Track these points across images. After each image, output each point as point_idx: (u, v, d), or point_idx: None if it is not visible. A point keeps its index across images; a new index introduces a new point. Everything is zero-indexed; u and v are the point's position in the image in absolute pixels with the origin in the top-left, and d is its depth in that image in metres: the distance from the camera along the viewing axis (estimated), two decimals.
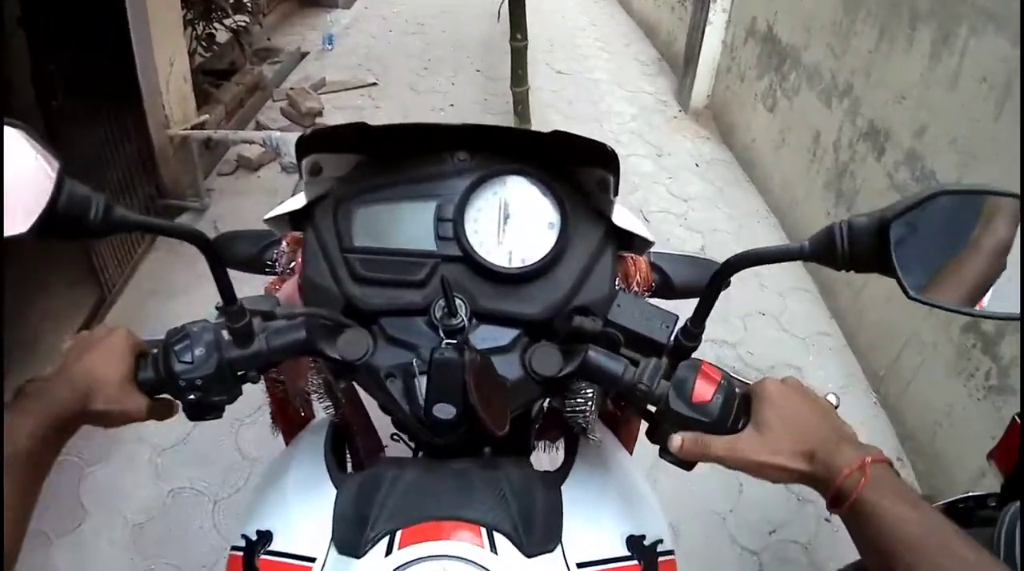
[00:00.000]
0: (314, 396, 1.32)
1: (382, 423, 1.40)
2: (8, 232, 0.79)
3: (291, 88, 5.97)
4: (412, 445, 1.35)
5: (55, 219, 0.81)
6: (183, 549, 2.67)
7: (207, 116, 4.56)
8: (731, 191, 5.00)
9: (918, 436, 3.07)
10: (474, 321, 1.09)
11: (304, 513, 1.10)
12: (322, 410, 1.36)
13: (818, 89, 4.22)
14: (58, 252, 3.48)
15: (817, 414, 0.93)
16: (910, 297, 0.84)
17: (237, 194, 4.69)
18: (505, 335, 1.09)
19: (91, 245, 3.51)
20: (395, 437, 1.36)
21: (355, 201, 1.15)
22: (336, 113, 5.82)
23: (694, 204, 4.79)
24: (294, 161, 3.64)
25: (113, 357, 0.99)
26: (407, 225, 1.14)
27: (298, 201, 1.18)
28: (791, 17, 4.67)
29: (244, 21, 5.69)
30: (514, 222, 1.14)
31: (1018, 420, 1.62)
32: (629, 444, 1.39)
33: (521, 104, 5.39)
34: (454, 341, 1.01)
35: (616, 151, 1.08)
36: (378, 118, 5.59)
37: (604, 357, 1.00)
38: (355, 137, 1.13)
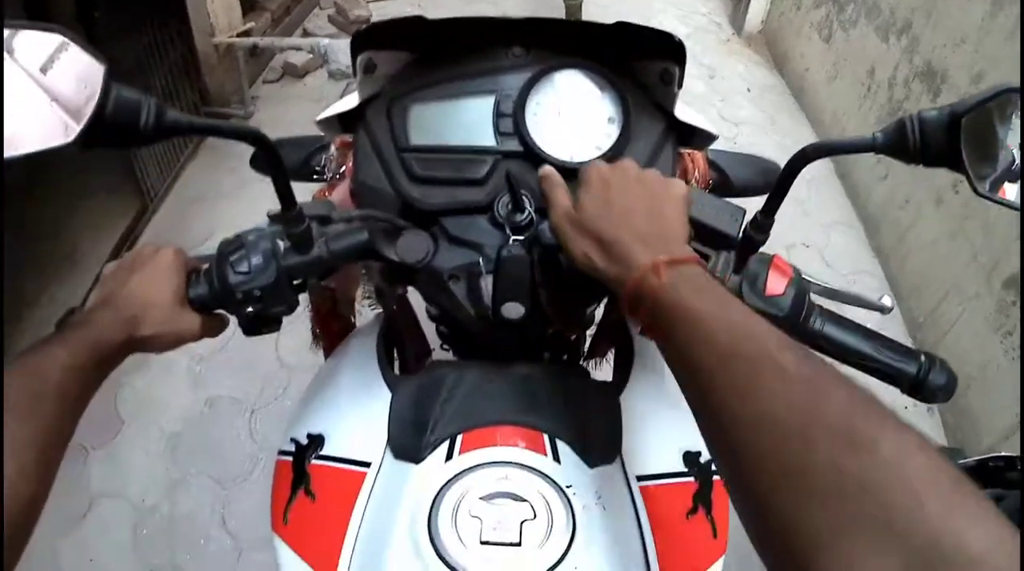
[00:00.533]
0: (363, 303, 1.32)
1: (427, 331, 1.40)
2: (53, 143, 0.74)
3: None
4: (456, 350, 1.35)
5: (103, 127, 0.76)
6: (219, 458, 2.72)
7: (253, 24, 4.50)
8: (781, 119, 4.90)
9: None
10: (539, 217, 1.05)
11: (358, 416, 1.10)
12: (369, 315, 1.37)
13: (876, 23, 4.11)
14: (98, 159, 3.42)
15: (642, 203, 0.85)
16: (978, 193, 0.84)
17: (282, 101, 4.65)
18: None
19: (132, 151, 3.46)
20: (443, 347, 1.36)
21: (409, 98, 1.12)
22: None
23: (744, 129, 4.71)
24: (342, 68, 3.64)
25: (161, 276, 0.95)
26: (464, 121, 1.11)
27: (351, 100, 1.14)
28: None
29: None
30: (574, 116, 1.11)
31: None
32: None
33: (574, 17, 5.27)
34: (521, 238, 0.99)
35: (683, 41, 1.05)
36: None
37: None
38: (410, 33, 1.10)
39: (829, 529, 0.50)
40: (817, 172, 4.22)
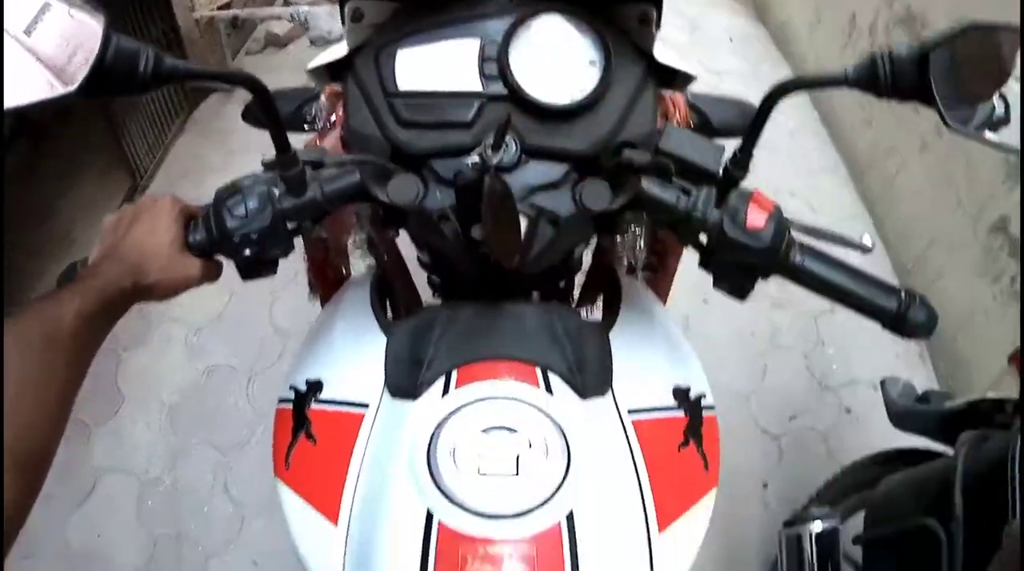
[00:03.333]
0: (356, 252, 1.35)
1: (419, 282, 1.44)
2: (56, 92, 0.76)
3: None
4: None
5: (104, 75, 0.79)
6: (219, 426, 2.77)
7: None
8: (764, 68, 4.87)
9: (941, 335, 3.04)
10: (523, 158, 1.08)
11: (355, 360, 1.13)
12: (363, 266, 1.40)
13: None
14: (87, 139, 3.44)
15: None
16: (950, 128, 0.87)
17: (267, 71, 4.56)
18: (555, 170, 1.09)
19: (122, 130, 3.50)
20: (435, 297, 1.39)
21: (396, 45, 1.13)
22: None
23: (727, 79, 4.67)
24: (323, 34, 3.67)
25: (161, 224, 0.98)
26: (450, 66, 1.12)
27: (340, 50, 1.16)
28: None
29: None
30: (557, 60, 1.13)
31: None
32: (663, 297, 1.44)
33: None
34: (475, 161, 0.99)
35: None
36: None
37: (658, 186, 1.00)
38: None
39: None
40: (801, 121, 4.24)
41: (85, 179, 3.31)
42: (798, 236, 1.02)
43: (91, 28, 0.79)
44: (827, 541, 1.74)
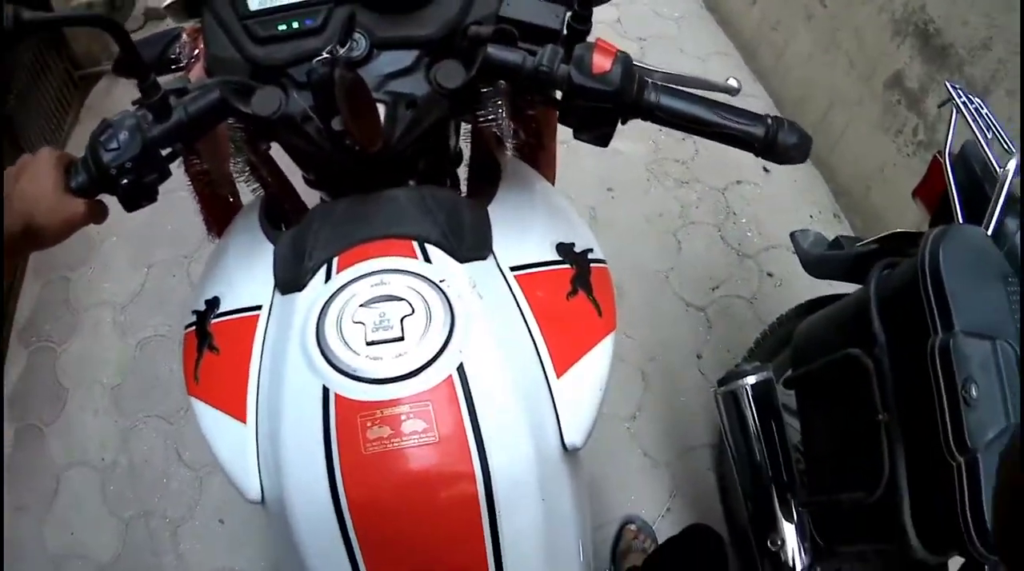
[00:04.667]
0: (239, 180, 1.37)
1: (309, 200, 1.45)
2: None
3: None
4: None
5: None
6: (161, 397, 2.82)
7: None
8: None
9: (852, 193, 3.17)
10: (375, 52, 1.11)
11: (247, 272, 1.17)
12: (250, 194, 1.42)
13: None
14: None
15: None
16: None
17: None
18: (407, 57, 1.12)
19: (18, 129, 3.47)
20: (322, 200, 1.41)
21: None
22: None
23: None
24: None
25: (43, 172, 1.01)
26: None
27: None
28: None
29: None
30: None
31: (939, 158, 1.67)
32: (549, 175, 1.46)
33: None
34: (324, 58, 1.01)
35: None
36: None
37: (503, 51, 1.03)
38: None
39: None
40: (686, 8, 4.23)
41: None
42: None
43: None
44: (762, 391, 1.81)
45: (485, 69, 1.05)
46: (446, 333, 0.98)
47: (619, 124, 1.07)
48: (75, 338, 3.03)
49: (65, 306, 3.15)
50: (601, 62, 1.00)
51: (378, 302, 1.00)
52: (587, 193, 3.17)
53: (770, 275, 2.96)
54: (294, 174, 1.40)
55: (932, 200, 1.72)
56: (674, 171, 3.23)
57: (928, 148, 2.70)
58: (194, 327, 1.18)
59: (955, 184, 1.62)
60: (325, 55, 0.99)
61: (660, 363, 2.77)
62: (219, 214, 1.47)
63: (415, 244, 1.05)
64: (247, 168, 1.38)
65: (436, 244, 1.05)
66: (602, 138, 1.08)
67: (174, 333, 2.91)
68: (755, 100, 3.71)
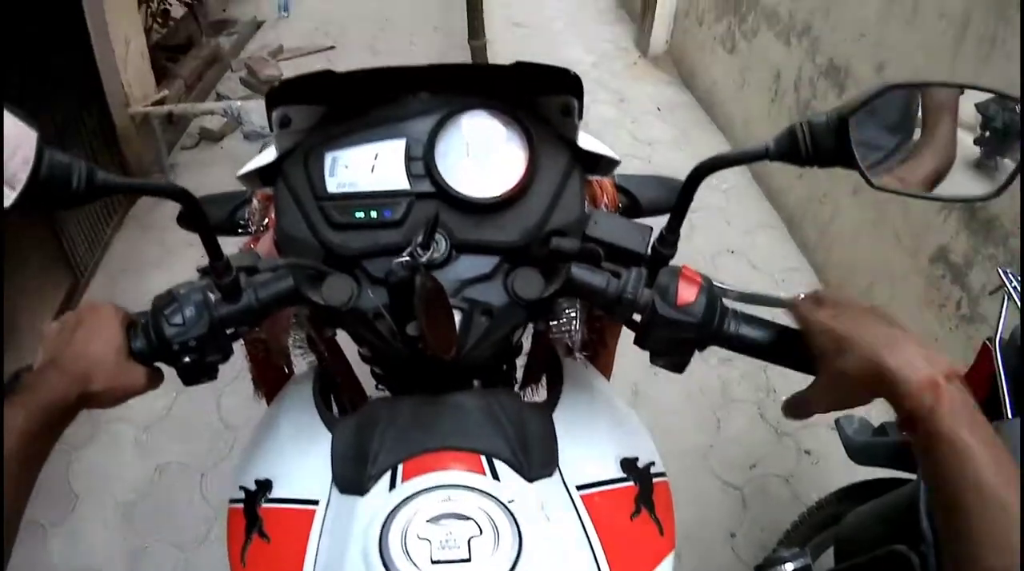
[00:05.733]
0: (296, 352, 1.34)
1: (362, 374, 1.42)
2: None
3: (249, 58, 5.90)
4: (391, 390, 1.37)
5: (38, 189, 0.79)
6: (175, 523, 2.69)
7: (167, 92, 4.50)
8: (694, 132, 5.01)
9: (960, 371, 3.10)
10: (454, 253, 1.09)
11: (301, 459, 1.12)
12: (305, 364, 1.39)
13: (776, 29, 4.23)
14: (26, 237, 3.41)
15: (868, 319, 0.87)
16: (873, 186, 0.90)
17: (201, 166, 4.65)
18: (486, 263, 1.10)
19: (60, 228, 3.46)
20: (379, 388, 1.38)
21: (323, 148, 1.14)
22: None
23: (658, 147, 4.80)
24: (256, 129, 3.66)
25: (104, 332, 0.96)
26: (378, 166, 1.13)
27: (269, 155, 1.18)
28: None
29: None
30: (482, 154, 1.14)
31: (988, 344, 1.64)
32: (607, 373, 1.43)
33: (479, 58, 5.33)
34: (406, 260, 0.99)
35: (579, 75, 1.09)
36: None
37: (587, 272, 1.01)
38: (321, 86, 1.13)
39: None
40: (735, 180, 4.34)
41: (23, 276, 3.25)
42: (731, 303, 1.04)
43: (24, 141, 0.79)
44: None
45: (567, 287, 1.03)
46: (513, 557, 0.93)
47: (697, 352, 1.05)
48: (92, 448, 2.95)
49: (86, 414, 3.05)
50: (686, 293, 0.98)
51: (445, 519, 0.95)
52: (632, 369, 3.09)
53: (807, 453, 2.90)
54: (347, 345, 1.36)
55: (981, 387, 1.66)
56: (718, 349, 3.15)
57: (971, 322, 2.68)
58: (241, 505, 1.13)
59: (1005, 373, 1.58)
60: (406, 257, 0.98)
61: (694, 541, 2.69)
62: (269, 379, 1.45)
63: (483, 459, 1.01)
64: (306, 341, 1.35)
65: (505, 461, 1.01)
66: (678, 366, 1.06)
67: (196, 463, 2.86)
68: (798, 274, 3.73)
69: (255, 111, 4.13)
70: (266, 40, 6.62)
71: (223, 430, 2.97)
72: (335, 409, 1.40)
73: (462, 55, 5.70)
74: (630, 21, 6.98)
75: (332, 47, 6.47)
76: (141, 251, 3.87)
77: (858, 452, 1.88)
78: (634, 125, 5.04)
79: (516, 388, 1.47)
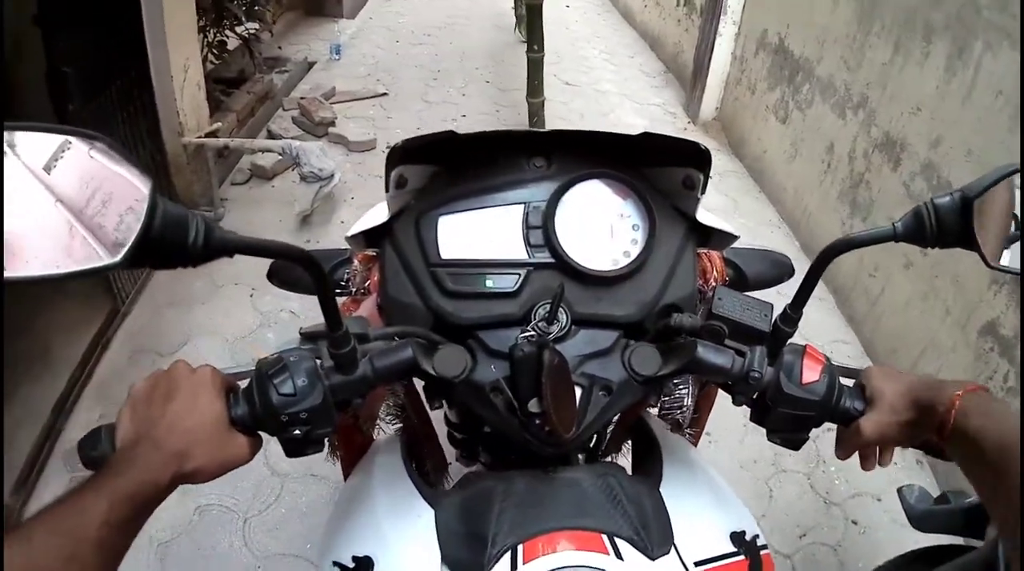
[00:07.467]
0: (384, 421, 1.32)
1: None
2: (99, 263, 0.69)
3: (302, 98, 5.94)
4: (482, 461, 1.35)
5: (150, 245, 0.72)
6: (213, 568, 2.63)
7: (219, 124, 4.53)
8: (744, 201, 5.00)
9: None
10: (573, 328, 1.08)
11: (404, 536, 1.06)
12: (384, 430, 1.37)
13: (832, 101, 4.23)
14: None
15: (913, 376, 0.99)
16: (990, 266, 0.93)
17: (252, 204, 4.65)
18: (605, 338, 1.09)
19: None
20: (460, 455, 1.37)
21: (437, 212, 1.13)
22: (348, 123, 5.79)
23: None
24: (314, 170, 3.66)
25: (203, 401, 0.89)
26: (493, 234, 1.12)
27: (380, 215, 1.15)
28: (803, 30, 4.67)
29: (255, 28, 5.67)
30: (601, 225, 1.14)
31: None
32: (695, 441, 1.44)
33: (536, 116, 5.40)
34: (531, 334, 1.00)
35: (708, 149, 1.10)
36: (391, 128, 5.64)
37: (712, 351, 1.01)
38: (439, 147, 1.12)
39: None
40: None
41: (63, 301, 3.27)
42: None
43: (137, 191, 0.71)
44: None
45: (690, 365, 1.02)
46: None
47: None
48: None
49: None
50: (811, 372, 0.99)
51: None
52: None
53: (855, 523, 2.88)
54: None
55: None
56: None
57: (1016, 395, 2.66)
58: None
59: None
60: (531, 331, 0.98)
61: None
62: (352, 447, 1.38)
63: (605, 539, 0.96)
64: (397, 410, 1.32)
65: (628, 540, 0.97)
66: (796, 443, 1.06)
67: (239, 507, 2.78)
68: (846, 346, 3.71)
69: (314, 153, 4.13)
70: (317, 81, 6.67)
71: (270, 476, 2.90)
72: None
73: (515, 109, 5.75)
74: (678, 86, 7.00)
75: (385, 94, 6.51)
76: (187, 285, 3.85)
77: (920, 519, 1.90)
78: None
79: (600, 454, 1.46)
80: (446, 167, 1.16)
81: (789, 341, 1.04)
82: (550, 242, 1.10)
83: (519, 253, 1.11)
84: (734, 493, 1.23)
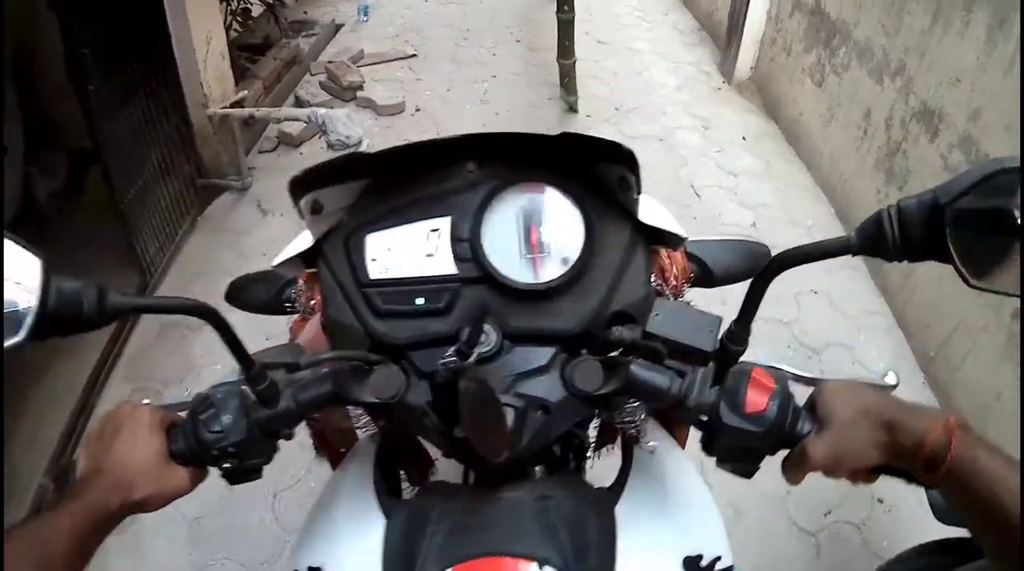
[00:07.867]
0: (358, 427, 1.31)
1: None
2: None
3: (330, 62, 5.91)
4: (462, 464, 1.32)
5: (48, 321, 0.79)
6: (245, 543, 2.66)
7: (245, 92, 4.53)
8: (778, 164, 4.91)
9: (968, 419, 3.01)
10: (506, 344, 1.03)
11: (354, 547, 1.07)
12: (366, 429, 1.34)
13: (869, 66, 4.12)
14: (95, 232, 3.46)
15: (880, 397, 0.92)
16: (971, 285, 0.78)
17: (279, 171, 4.63)
18: (541, 355, 1.04)
19: (131, 227, 3.48)
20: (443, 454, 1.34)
21: (364, 230, 1.10)
22: (377, 86, 5.74)
23: (743, 178, 4.71)
24: (342, 138, 3.64)
25: (142, 439, 0.97)
26: (422, 249, 1.09)
27: (304, 242, 1.15)
28: None
29: None
30: (534, 232, 1.08)
31: None
32: (681, 439, 1.34)
33: (568, 76, 5.31)
34: (451, 360, 0.95)
35: (633, 150, 0.99)
36: (419, 91, 5.59)
37: (648, 371, 0.95)
38: (352, 166, 1.08)
39: None
40: (818, 218, 4.25)
41: (92, 275, 3.23)
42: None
43: (28, 272, 0.79)
44: None
45: (627, 385, 0.96)
46: None
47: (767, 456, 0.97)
48: None
49: None
50: (756, 400, 0.91)
51: None
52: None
53: (880, 501, 2.85)
54: None
55: None
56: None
57: None
58: None
59: None
60: (451, 356, 0.94)
61: None
62: (333, 449, 1.41)
63: (534, 566, 0.92)
64: (367, 416, 1.30)
65: (557, 569, 0.92)
66: (747, 473, 0.98)
67: (269, 483, 2.77)
68: (879, 318, 3.64)
69: (341, 120, 4.09)
70: (345, 44, 6.64)
71: (299, 451, 2.80)
72: (403, 475, 1.37)
73: (545, 68, 5.66)
74: (712, 44, 6.87)
75: (414, 55, 6.46)
76: (215, 257, 3.86)
77: (944, 512, 1.85)
78: (719, 154, 4.96)
79: (585, 457, 1.42)
80: (372, 181, 1.12)
81: (741, 359, 0.95)
82: (476, 256, 1.05)
83: (449, 268, 1.07)
84: (711, 508, 1.19)
